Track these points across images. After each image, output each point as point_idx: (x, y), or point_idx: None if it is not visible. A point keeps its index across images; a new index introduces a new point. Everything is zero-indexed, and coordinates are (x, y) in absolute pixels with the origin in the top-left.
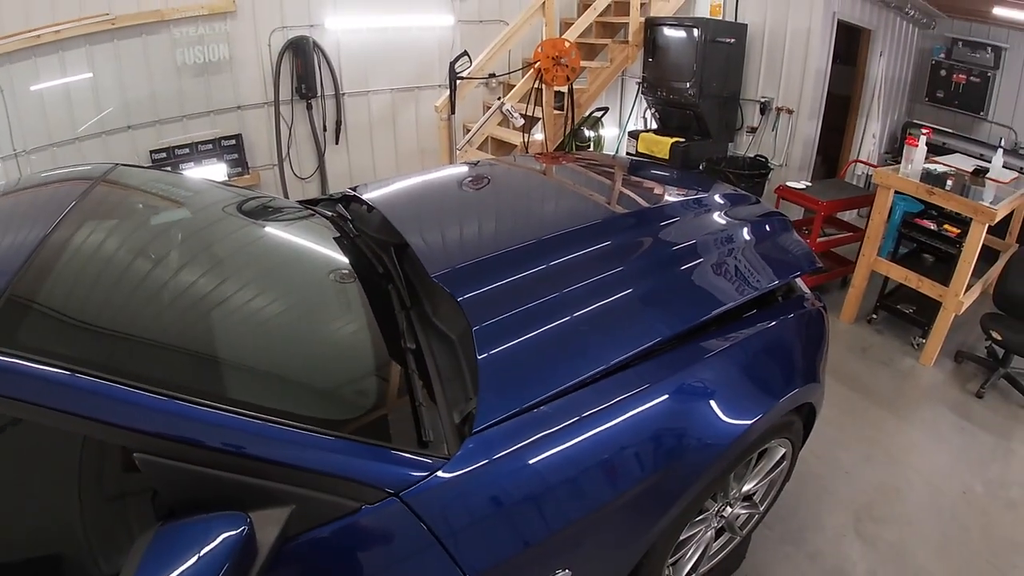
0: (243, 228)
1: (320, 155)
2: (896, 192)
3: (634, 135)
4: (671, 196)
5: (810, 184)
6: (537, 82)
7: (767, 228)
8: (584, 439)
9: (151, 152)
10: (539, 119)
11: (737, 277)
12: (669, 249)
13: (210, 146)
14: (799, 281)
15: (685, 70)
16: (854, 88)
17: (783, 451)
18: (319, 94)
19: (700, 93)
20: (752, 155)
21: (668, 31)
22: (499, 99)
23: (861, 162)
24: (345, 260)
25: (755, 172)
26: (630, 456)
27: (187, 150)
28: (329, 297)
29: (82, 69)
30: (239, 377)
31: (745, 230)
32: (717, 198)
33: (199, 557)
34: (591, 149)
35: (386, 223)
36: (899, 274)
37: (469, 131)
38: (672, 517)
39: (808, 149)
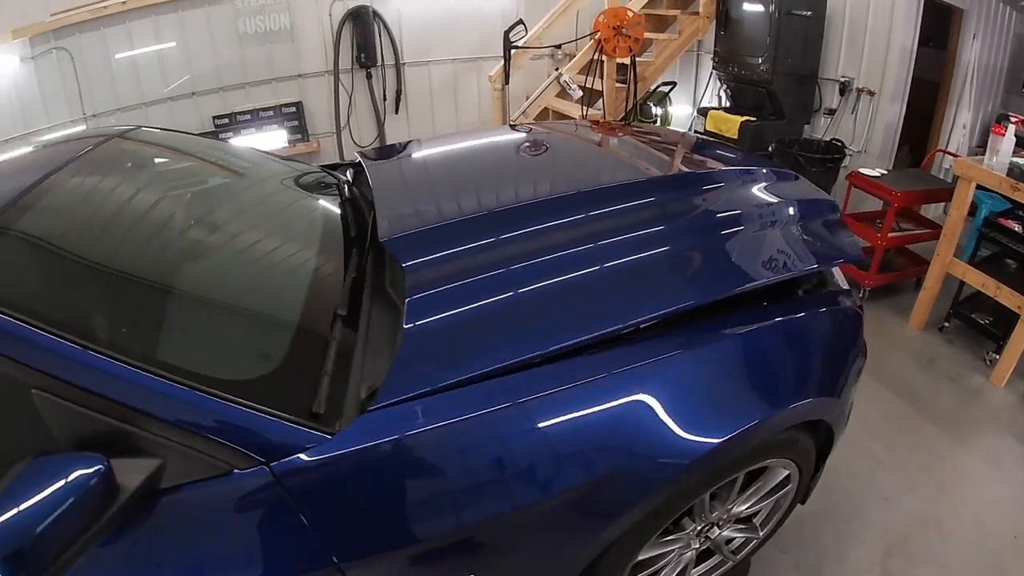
0: (227, 181)
1: (380, 124)
2: (982, 188)
3: (703, 113)
4: (690, 165)
5: (886, 172)
6: (597, 53)
7: (805, 209)
8: (503, 432)
9: (214, 118)
10: (600, 92)
11: (752, 259)
12: (673, 222)
13: (271, 113)
14: (838, 274)
15: (758, 44)
16: (944, 74)
17: (785, 473)
18: (379, 63)
19: (773, 69)
20: (828, 139)
21: (742, 2)
22: (556, 69)
23: (945, 152)
24: (320, 220)
25: (828, 157)
26: (558, 460)
27: (248, 116)
28: (274, 256)
29: (148, 40)
30: (133, 323)
31: (776, 207)
32: (748, 172)
33: (52, 490)
34: (657, 125)
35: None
36: (976, 279)
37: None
38: (615, 535)
39: (890, 135)
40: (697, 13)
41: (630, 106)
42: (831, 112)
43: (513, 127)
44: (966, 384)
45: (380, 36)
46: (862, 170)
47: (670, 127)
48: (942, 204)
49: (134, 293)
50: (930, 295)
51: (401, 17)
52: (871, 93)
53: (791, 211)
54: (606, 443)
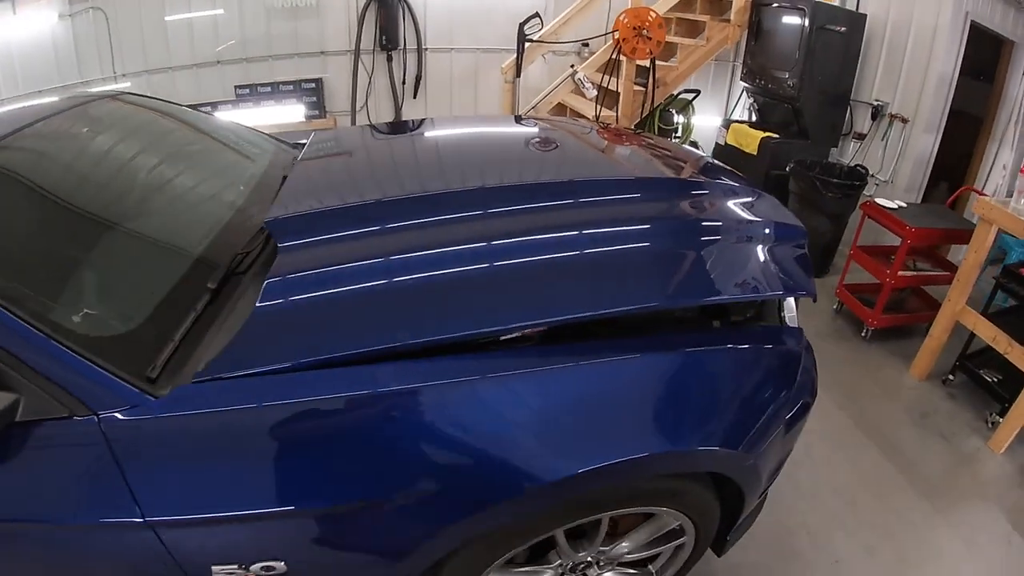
0: (173, 144)
1: (397, 108)
2: (1008, 234)
3: (727, 125)
4: (636, 167)
5: (904, 205)
6: (616, 53)
7: (760, 229)
8: (325, 425)
9: (236, 87)
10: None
11: (672, 274)
12: (592, 226)
13: (291, 87)
14: (790, 309)
15: (787, 58)
16: (988, 109)
17: (676, 523)
18: (401, 47)
19: (801, 86)
20: (853, 165)
21: (774, 12)
22: (572, 67)
23: (976, 191)
24: (241, 195)
25: (848, 183)
26: (378, 465)
27: (268, 88)
28: (173, 225)
29: (180, 7)
30: (18, 269)
31: (722, 221)
32: (708, 183)
33: None
34: (678, 134)
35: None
36: (987, 332)
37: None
38: (438, 553)
39: (920, 167)
40: (728, 20)
41: (647, 111)
42: (860, 137)
43: (519, 120)
44: (960, 446)
45: (404, 20)
46: (879, 200)
47: (691, 137)
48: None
49: (31, 241)
50: (936, 343)
51: (427, 2)
52: (904, 120)
53: (767, 231)
54: (436, 455)
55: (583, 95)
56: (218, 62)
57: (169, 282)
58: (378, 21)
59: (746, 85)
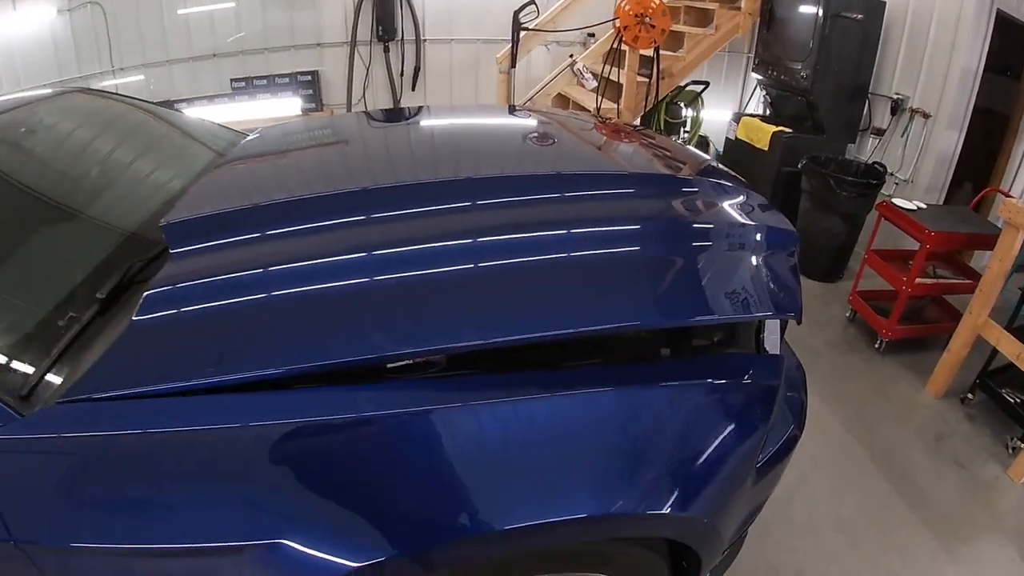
0: (112, 143)
1: (395, 100)
2: None
3: (738, 119)
4: (622, 162)
5: (924, 207)
6: (617, 42)
7: (750, 235)
8: (186, 458)
9: (231, 80)
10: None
11: (635, 289)
12: (557, 227)
13: (287, 80)
14: (772, 331)
15: (800, 47)
16: (1016, 106)
17: None
18: (398, 38)
19: (815, 77)
20: (870, 162)
21: None
22: (571, 56)
23: (1002, 193)
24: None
25: (864, 182)
26: (240, 505)
27: (264, 82)
28: (78, 228)
29: (183, 3)
30: None
31: (709, 224)
32: (697, 181)
33: None
34: (686, 128)
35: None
36: (1010, 348)
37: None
38: None
39: (943, 166)
40: (739, 8)
41: (652, 103)
42: (879, 133)
43: (509, 110)
44: (976, 473)
45: (401, 10)
46: (896, 200)
47: (700, 131)
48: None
49: None
50: (955, 358)
51: None
52: (926, 115)
53: (757, 237)
54: (322, 502)
55: (584, 86)
56: (214, 55)
57: (59, 293)
58: (374, 12)
59: (758, 77)
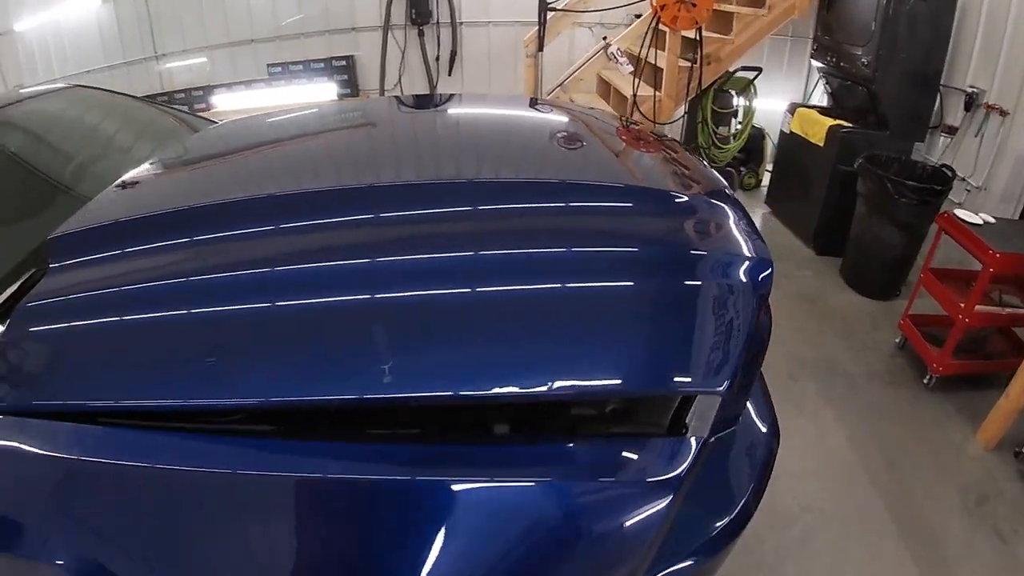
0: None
1: (431, 85)
2: None
3: (792, 110)
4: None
5: (992, 221)
6: (655, 22)
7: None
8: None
9: (268, 66)
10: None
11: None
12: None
13: (322, 65)
14: (708, 405)
15: (861, 30)
16: None
17: None
18: (433, 21)
19: (878, 64)
20: (938, 164)
21: None
22: (604, 38)
23: None
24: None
25: (927, 188)
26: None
27: (300, 67)
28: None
29: None
30: None
31: (613, 254)
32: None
33: None
34: (738, 119)
35: None
36: None
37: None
38: None
39: (1020, 173)
40: None
41: (695, 91)
42: (951, 131)
43: (534, 103)
44: (1018, 549)
45: None
46: (959, 212)
47: (752, 122)
48: None
49: None
50: (1014, 404)
51: None
52: (1003, 113)
53: (718, 278)
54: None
55: (618, 71)
56: (252, 41)
57: None
58: None
59: (818, 64)
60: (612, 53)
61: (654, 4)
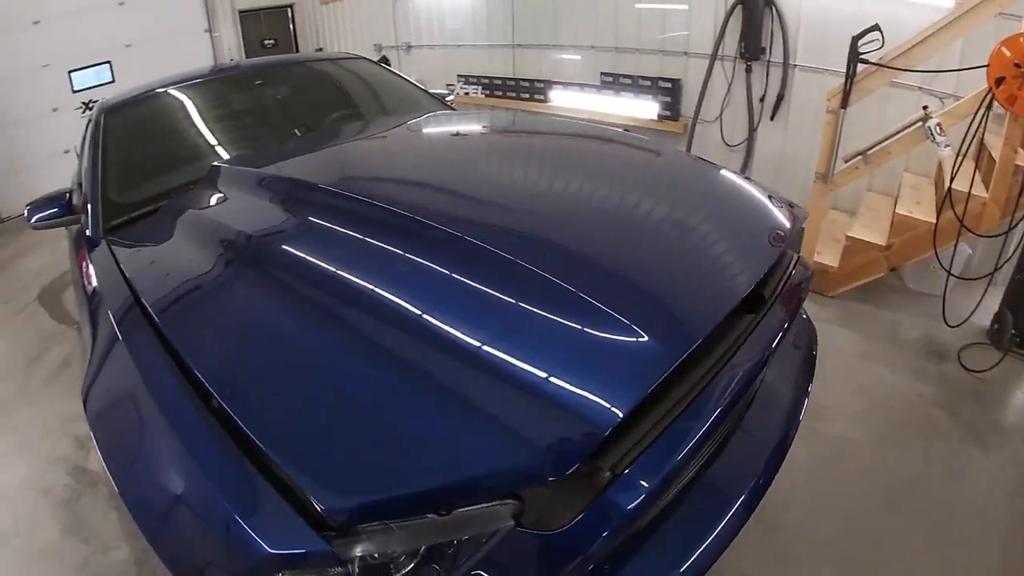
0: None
1: (751, 127)
2: None
3: None
4: None
5: None
6: (988, 99)
7: None
8: None
9: (601, 73)
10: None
11: None
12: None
13: (648, 83)
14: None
15: None
16: None
17: None
18: (765, 59)
19: None
20: None
21: None
22: (924, 108)
23: None
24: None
25: None
26: None
27: (629, 81)
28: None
29: None
30: None
31: None
32: None
33: None
34: None
35: None
36: None
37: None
38: None
39: None
40: None
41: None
42: None
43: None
44: None
45: (772, 27)
46: None
47: None
48: None
49: None
50: None
51: (801, 10)
52: None
53: None
54: None
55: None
56: (592, 47)
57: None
58: (741, 26)
59: None
60: (930, 128)
61: (990, 76)
